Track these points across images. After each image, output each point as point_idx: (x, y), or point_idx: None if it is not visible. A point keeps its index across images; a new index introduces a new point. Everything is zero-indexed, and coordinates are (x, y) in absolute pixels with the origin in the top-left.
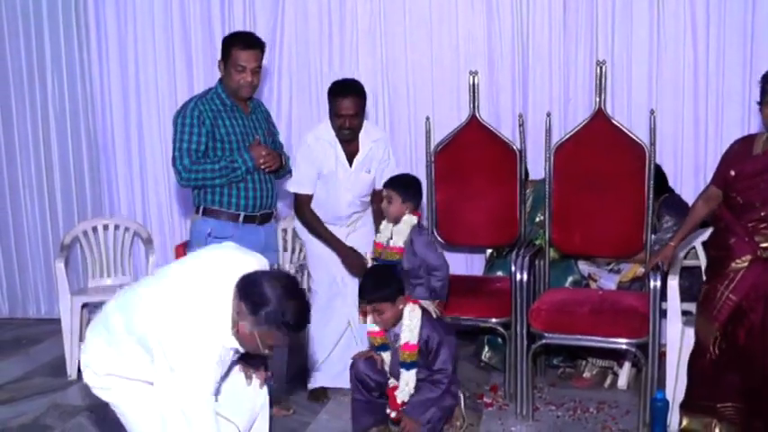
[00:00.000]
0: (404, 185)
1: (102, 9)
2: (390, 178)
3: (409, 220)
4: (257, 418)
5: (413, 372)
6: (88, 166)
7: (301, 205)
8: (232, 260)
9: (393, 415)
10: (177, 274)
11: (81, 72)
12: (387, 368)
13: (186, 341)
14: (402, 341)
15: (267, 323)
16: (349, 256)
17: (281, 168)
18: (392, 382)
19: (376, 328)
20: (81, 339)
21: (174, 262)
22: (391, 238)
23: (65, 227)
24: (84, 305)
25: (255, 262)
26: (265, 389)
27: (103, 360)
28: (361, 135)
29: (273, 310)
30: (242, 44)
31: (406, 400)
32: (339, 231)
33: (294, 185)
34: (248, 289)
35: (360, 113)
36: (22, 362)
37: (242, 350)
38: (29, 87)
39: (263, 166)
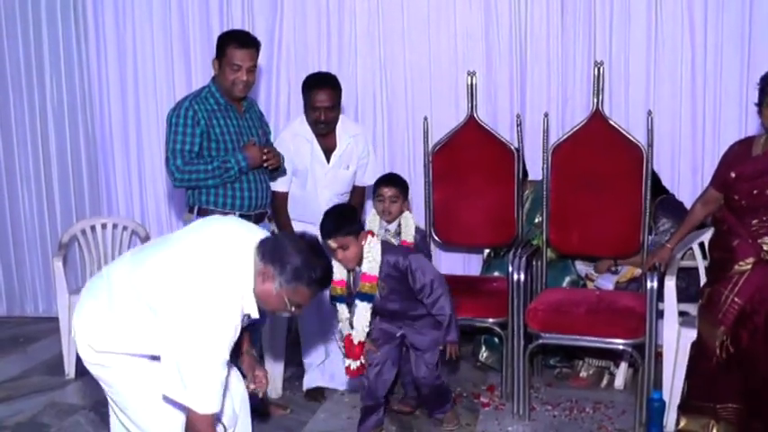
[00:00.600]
0: (403, 183)
1: (101, 7)
2: (388, 177)
3: (410, 217)
4: (240, 416)
5: (368, 305)
6: (86, 165)
7: (276, 204)
8: (243, 227)
9: (353, 367)
10: (191, 238)
11: (79, 71)
12: (343, 326)
13: (208, 302)
14: (362, 271)
15: (297, 280)
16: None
17: (280, 167)
18: (349, 331)
19: (338, 277)
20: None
21: (180, 230)
22: (399, 234)
23: (63, 225)
24: None
25: (262, 232)
26: (243, 384)
27: (102, 328)
28: (339, 130)
29: (303, 266)
30: (237, 43)
31: (362, 339)
32: (317, 231)
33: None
34: (274, 250)
35: (335, 106)
36: (19, 360)
37: (255, 315)
38: (27, 87)
39: (265, 164)
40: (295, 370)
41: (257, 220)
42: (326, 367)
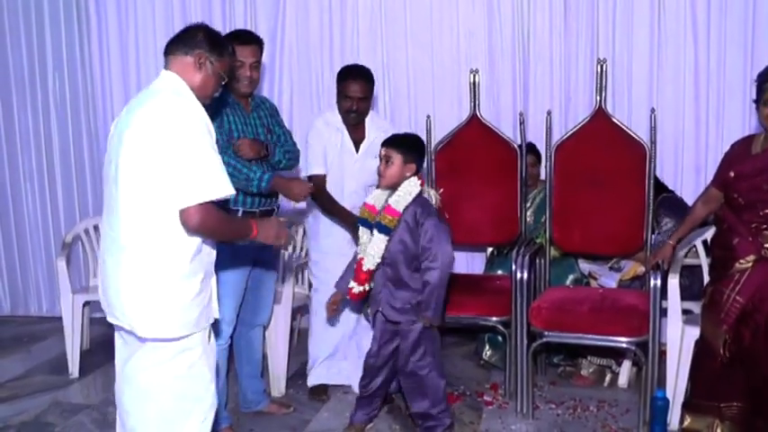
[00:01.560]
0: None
1: (104, 6)
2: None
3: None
4: None
5: (384, 237)
6: (90, 164)
7: (317, 187)
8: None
9: (355, 290)
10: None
11: (82, 70)
12: (360, 249)
13: (175, 125)
14: (389, 203)
15: (220, 47)
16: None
17: (267, 156)
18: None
19: (371, 202)
20: (82, 337)
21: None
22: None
23: (66, 225)
24: (86, 303)
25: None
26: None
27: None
28: (368, 123)
29: (211, 34)
30: (240, 40)
31: (372, 268)
32: (338, 223)
33: (308, 168)
34: (183, 39)
35: (367, 98)
36: (23, 359)
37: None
38: (30, 85)
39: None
40: (297, 368)
41: (262, 216)
42: (333, 363)
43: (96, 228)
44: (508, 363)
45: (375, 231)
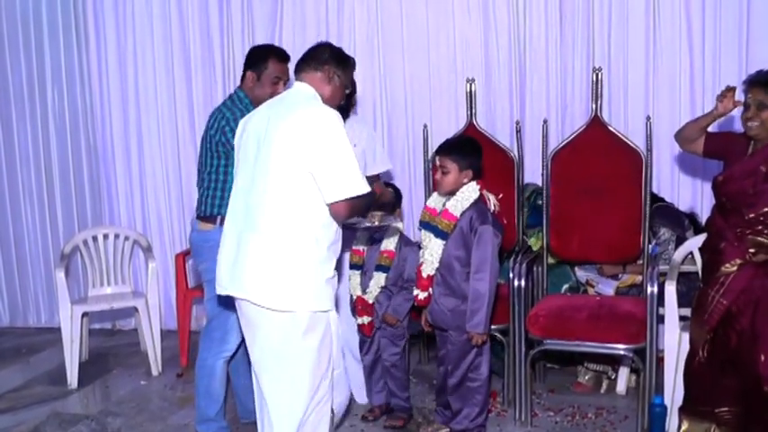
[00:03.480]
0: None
1: (102, 20)
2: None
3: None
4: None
5: (441, 242)
6: (88, 176)
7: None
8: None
9: (420, 296)
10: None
11: (81, 82)
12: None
13: (328, 125)
14: (446, 207)
15: (345, 60)
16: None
17: None
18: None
19: (431, 205)
20: (81, 348)
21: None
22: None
23: (65, 236)
24: (85, 314)
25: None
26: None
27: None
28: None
29: (336, 49)
30: (279, 57)
31: (432, 273)
32: None
33: None
34: (312, 56)
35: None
36: (22, 371)
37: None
38: (29, 98)
39: None
40: None
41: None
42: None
43: (95, 238)
44: (506, 370)
45: (431, 236)
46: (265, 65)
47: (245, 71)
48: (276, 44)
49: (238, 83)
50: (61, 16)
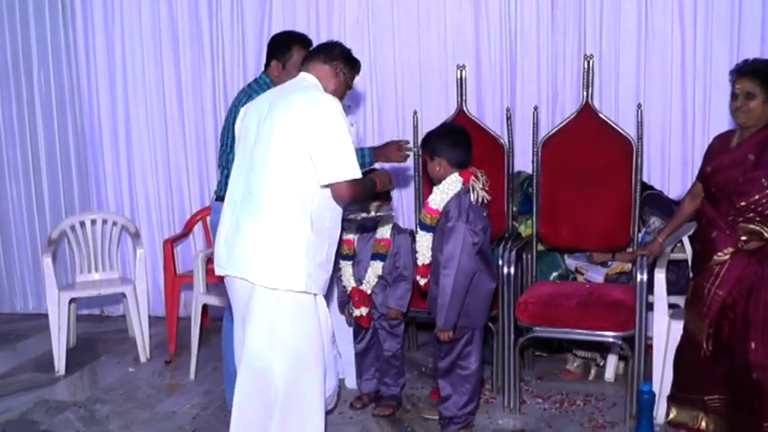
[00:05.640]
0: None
1: (89, 1)
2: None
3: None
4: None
5: (427, 234)
6: (75, 161)
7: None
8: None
9: (421, 282)
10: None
11: (67, 64)
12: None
13: (329, 110)
14: (427, 201)
15: (351, 61)
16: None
17: None
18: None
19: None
20: (69, 335)
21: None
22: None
23: (52, 221)
24: (72, 300)
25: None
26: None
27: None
28: None
29: (342, 47)
30: (303, 43)
31: (426, 263)
32: None
33: None
34: (324, 50)
35: None
36: (8, 357)
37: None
38: (15, 82)
39: None
40: None
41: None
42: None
43: (82, 224)
44: (495, 358)
45: (419, 230)
46: (290, 53)
47: (268, 60)
48: (265, 30)
49: (227, 66)
50: None
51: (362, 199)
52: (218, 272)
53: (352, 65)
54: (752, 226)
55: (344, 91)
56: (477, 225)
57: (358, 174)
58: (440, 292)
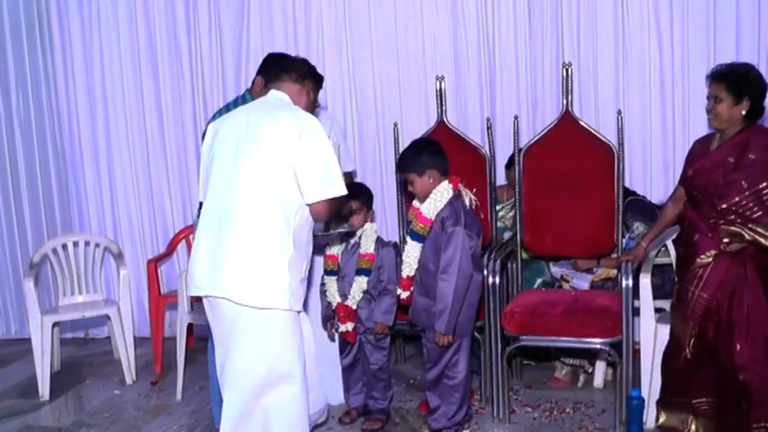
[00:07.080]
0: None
1: (67, 20)
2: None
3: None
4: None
5: (418, 245)
6: (56, 183)
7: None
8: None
9: (403, 295)
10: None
11: (46, 84)
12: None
13: (310, 125)
14: (420, 210)
15: (314, 77)
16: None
17: None
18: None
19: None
20: (52, 359)
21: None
22: (359, 246)
23: (34, 245)
24: (56, 324)
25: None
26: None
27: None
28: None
29: (305, 64)
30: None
31: (411, 274)
32: None
33: (345, 166)
34: (297, 69)
35: None
36: None
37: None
38: None
39: None
40: None
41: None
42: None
43: (65, 246)
44: (483, 368)
45: (408, 238)
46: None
47: (257, 77)
48: (243, 42)
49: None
50: (24, 15)
51: (336, 215)
52: (195, 292)
53: (318, 84)
54: (733, 228)
55: (312, 109)
56: (473, 229)
57: (340, 191)
58: (439, 296)
